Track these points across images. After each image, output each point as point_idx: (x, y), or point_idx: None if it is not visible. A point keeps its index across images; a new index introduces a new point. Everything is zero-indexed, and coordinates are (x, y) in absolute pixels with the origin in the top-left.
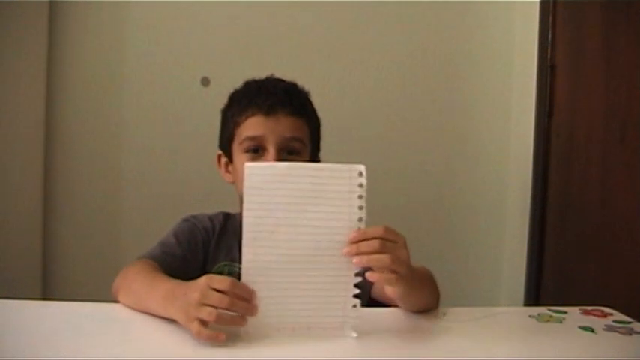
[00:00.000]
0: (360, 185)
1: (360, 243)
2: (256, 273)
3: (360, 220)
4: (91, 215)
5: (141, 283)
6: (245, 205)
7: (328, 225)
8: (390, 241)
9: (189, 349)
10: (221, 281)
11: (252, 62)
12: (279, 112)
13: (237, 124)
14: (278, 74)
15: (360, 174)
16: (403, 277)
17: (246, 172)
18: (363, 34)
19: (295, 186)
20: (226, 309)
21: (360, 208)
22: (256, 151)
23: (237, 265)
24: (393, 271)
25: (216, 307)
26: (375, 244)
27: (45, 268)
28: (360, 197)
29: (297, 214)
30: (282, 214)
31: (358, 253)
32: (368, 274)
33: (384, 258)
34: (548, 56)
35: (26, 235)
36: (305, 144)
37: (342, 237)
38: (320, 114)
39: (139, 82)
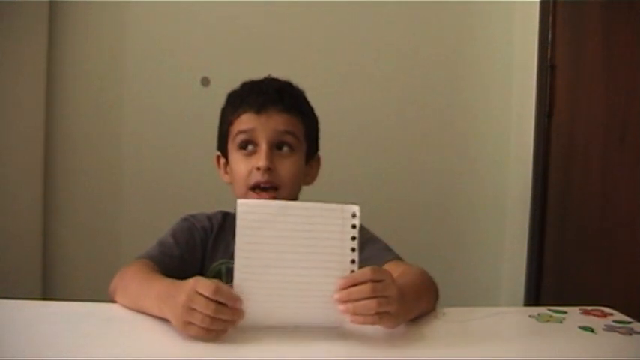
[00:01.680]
0: (354, 226)
1: (351, 290)
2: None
3: (353, 261)
4: (91, 215)
5: (137, 283)
6: (237, 245)
7: (320, 266)
8: (378, 282)
9: (189, 349)
10: (205, 287)
11: (252, 62)
12: (270, 109)
13: (230, 123)
14: (278, 74)
15: (354, 215)
16: (394, 314)
17: (239, 209)
18: (363, 34)
19: (287, 225)
20: (212, 315)
21: (353, 249)
22: (248, 147)
23: (234, 262)
24: (385, 312)
25: (202, 313)
26: (366, 289)
27: (45, 268)
28: (354, 238)
29: (288, 254)
30: (274, 255)
31: (350, 300)
32: (351, 319)
33: (370, 304)
34: (548, 56)
35: (26, 235)
36: (299, 140)
37: (334, 279)
38: (319, 114)
39: (139, 82)
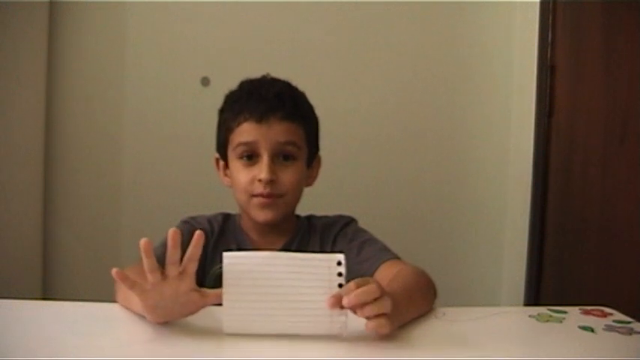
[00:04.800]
0: (340, 274)
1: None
2: None
3: (342, 308)
4: (91, 215)
5: None
6: (224, 296)
7: (307, 314)
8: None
9: (190, 349)
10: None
11: (252, 62)
12: (271, 118)
13: (230, 130)
14: (278, 74)
15: (339, 263)
16: (390, 317)
17: (225, 261)
18: (363, 34)
19: (273, 275)
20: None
21: None
22: (250, 158)
23: None
24: (384, 314)
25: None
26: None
27: (45, 268)
28: (340, 286)
29: (275, 303)
30: (260, 304)
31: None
32: (367, 327)
33: (376, 306)
34: (548, 56)
35: (26, 235)
36: (300, 147)
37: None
38: (319, 115)
39: (139, 82)
